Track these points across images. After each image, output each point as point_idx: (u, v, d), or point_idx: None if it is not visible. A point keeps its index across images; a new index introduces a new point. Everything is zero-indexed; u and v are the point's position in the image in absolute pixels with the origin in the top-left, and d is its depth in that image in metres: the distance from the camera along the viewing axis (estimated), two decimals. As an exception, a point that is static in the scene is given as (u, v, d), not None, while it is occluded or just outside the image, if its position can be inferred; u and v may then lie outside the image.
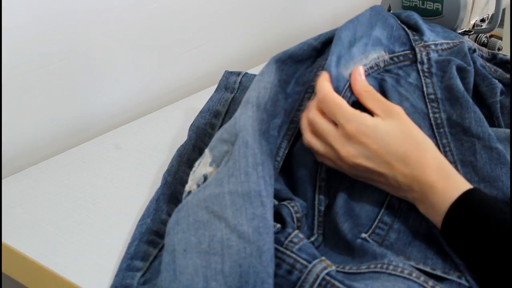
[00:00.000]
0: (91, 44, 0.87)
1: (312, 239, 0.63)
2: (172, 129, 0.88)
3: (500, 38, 0.99)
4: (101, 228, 0.68)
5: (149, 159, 0.81)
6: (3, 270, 0.69)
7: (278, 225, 0.57)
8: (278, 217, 0.59)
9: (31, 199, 0.73)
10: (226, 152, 0.60)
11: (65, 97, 0.87)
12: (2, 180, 0.77)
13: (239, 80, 0.82)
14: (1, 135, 0.80)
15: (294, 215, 0.60)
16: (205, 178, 0.61)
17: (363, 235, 0.62)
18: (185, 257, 0.52)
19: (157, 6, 0.95)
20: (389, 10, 0.92)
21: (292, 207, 0.61)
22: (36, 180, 0.77)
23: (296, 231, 0.57)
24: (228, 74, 0.83)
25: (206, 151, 0.63)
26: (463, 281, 0.57)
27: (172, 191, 0.71)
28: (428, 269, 0.58)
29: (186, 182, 0.64)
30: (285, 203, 0.61)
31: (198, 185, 0.60)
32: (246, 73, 0.83)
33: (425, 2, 0.84)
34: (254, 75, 0.79)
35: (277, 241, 0.56)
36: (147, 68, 0.98)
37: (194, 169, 0.64)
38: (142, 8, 0.93)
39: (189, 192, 0.61)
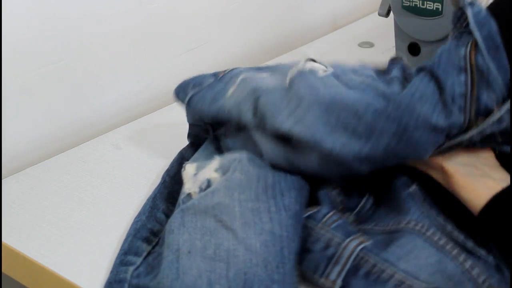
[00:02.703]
0: (91, 44, 0.87)
1: (362, 203, 0.65)
2: (172, 129, 0.88)
3: (500, 38, 0.99)
4: (101, 228, 0.68)
5: (149, 159, 0.81)
6: (3, 270, 0.69)
7: (317, 208, 0.59)
8: (315, 198, 0.61)
9: (31, 199, 0.73)
10: (234, 160, 0.62)
11: (65, 97, 0.87)
12: (2, 180, 0.77)
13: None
14: (1, 135, 0.80)
15: (332, 192, 0.62)
16: (209, 183, 0.61)
17: (413, 187, 0.62)
18: (189, 259, 0.54)
19: (157, 6, 0.95)
20: (389, 11, 0.92)
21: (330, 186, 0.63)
22: (36, 180, 0.77)
23: (333, 212, 0.59)
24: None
25: (215, 157, 0.65)
26: (490, 259, 0.57)
27: (169, 190, 0.71)
28: (460, 240, 0.58)
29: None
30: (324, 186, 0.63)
31: (201, 189, 0.61)
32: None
33: (425, 2, 0.84)
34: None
35: (314, 220, 0.59)
36: (147, 68, 0.98)
37: (193, 170, 0.64)
38: (141, 8, 0.93)
39: (189, 194, 0.62)
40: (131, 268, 0.60)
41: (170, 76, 1.02)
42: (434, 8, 0.84)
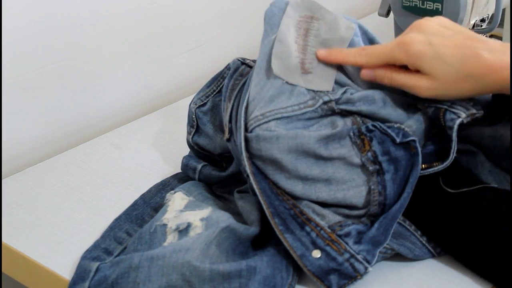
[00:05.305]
0: (91, 44, 0.88)
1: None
2: (172, 129, 0.88)
3: (500, 38, 0.99)
4: (101, 228, 0.68)
5: (149, 159, 0.81)
6: (3, 270, 0.69)
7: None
8: None
9: (31, 199, 0.73)
10: (218, 222, 0.60)
11: (65, 97, 0.87)
12: (2, 180, 0.78)
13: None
14: (1, 135, 0.80)
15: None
16: (188, 227, 0.60)
17: None
18: None
19: (157, 6, 0.95)
20: (388, 11, 0.92)
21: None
22: (36, 180, 0.77)
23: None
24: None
25: (207, 205, 0.64)
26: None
27: (138, 212, 0.69)
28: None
29: (161, 207, 0.65)
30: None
31: (178, 228, 0.60)
32: None
33: (425, 2, 0.84)
34: None
35: None
36: (147, 68, 0.98)
37: (182, 206, 0.64)
38: (141, 8, 0.93)
39: (165, 225, 0.61)
40: None
41: (170, 76, 1.02)
42: (434, 8, 0.84)
